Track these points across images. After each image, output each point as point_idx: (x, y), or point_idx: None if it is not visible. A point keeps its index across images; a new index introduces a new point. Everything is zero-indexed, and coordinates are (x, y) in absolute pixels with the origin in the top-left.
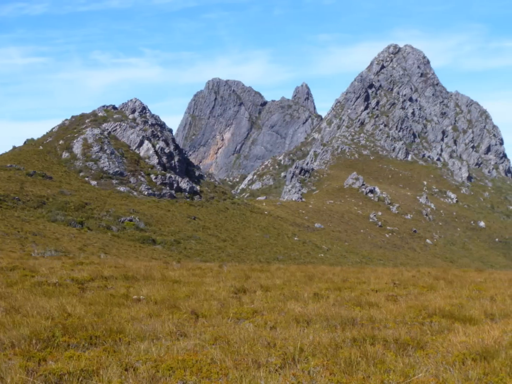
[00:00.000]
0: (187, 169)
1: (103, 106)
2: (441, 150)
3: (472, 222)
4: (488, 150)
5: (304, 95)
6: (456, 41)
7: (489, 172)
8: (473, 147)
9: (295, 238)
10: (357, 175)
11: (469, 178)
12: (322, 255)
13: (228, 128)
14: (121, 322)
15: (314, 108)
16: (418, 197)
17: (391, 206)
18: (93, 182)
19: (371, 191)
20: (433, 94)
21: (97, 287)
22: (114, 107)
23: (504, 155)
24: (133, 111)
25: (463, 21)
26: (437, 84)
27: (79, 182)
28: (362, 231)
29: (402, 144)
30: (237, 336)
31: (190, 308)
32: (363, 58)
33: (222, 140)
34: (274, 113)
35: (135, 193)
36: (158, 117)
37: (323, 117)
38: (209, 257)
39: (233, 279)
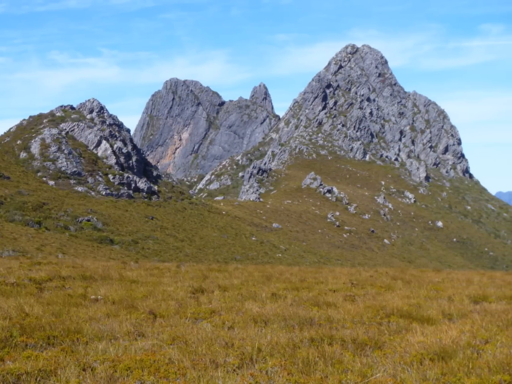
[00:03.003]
0: (145, 169)
1: (61, 106)
2: (399, 150)
3: (430, 222)
4: (446, 150)
5: (262, 95)
6: (414, 41)
7: (447, 172)
8: (431, 147)
9: (253, 238)
10: (315, 175)
11: (427, 178)
12: (280, 255)
13: (186, 128)
14: (79, 322)
15: (272, 108)
16: (375, 197)
17: (348, 206)
18: (51, 182)
19: (329, 191)
20: (390, 94)
21: (55, 287)
22: (72, 107)
23: (462, 155)
24: (91, 111)
25: (421, 21)
26: (394, 84)
27: (37, 182)
28: (320, 231)
29: (360, 144)
30: (195, 336)
31: (148, 308)
32: (321, 58)
33: (180, 140)
34: (232, 113)
35: (92, 193)
36: (116, 117)
37: (281, 117)
38: (167, 257)
39: (191, 279)
